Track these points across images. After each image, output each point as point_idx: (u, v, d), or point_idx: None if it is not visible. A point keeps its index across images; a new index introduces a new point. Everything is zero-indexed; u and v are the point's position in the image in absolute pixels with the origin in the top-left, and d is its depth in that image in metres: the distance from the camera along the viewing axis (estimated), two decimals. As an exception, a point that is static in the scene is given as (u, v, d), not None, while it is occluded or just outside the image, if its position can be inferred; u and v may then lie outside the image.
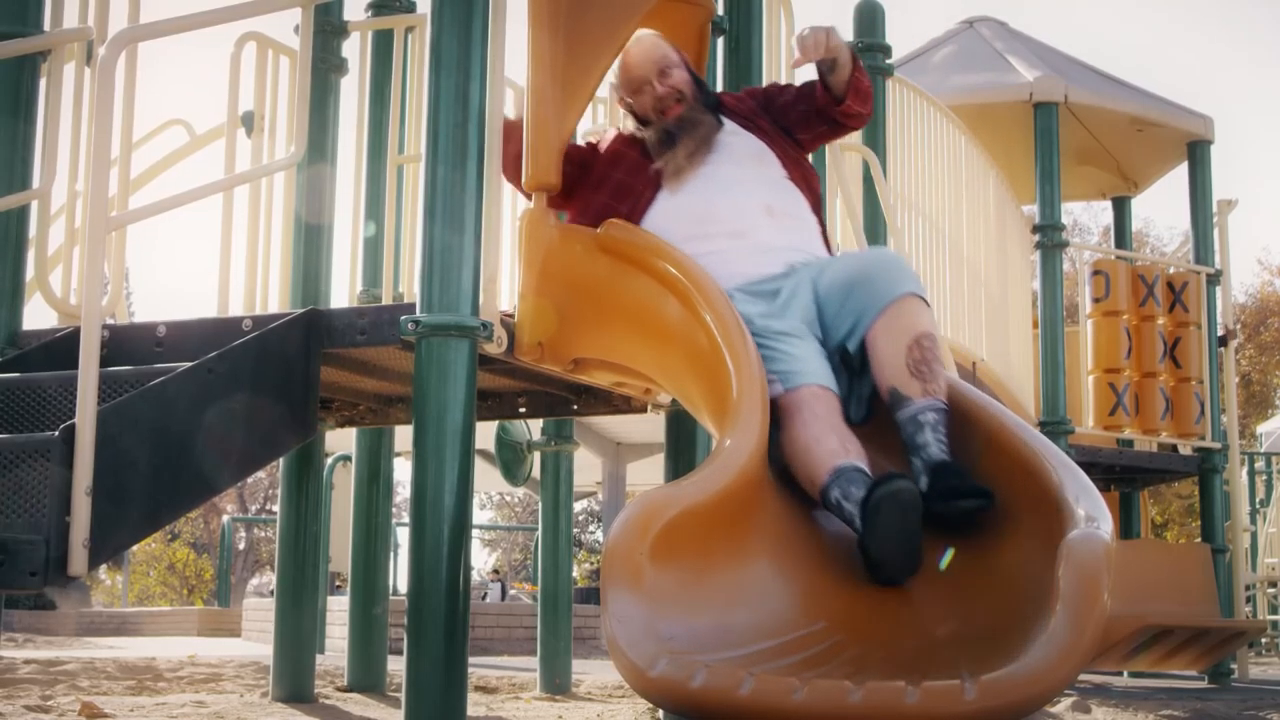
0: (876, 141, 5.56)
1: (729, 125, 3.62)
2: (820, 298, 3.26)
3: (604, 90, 4.31)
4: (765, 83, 4.46)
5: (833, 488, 2.94)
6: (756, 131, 3.63)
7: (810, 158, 3.78)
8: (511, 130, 3.50)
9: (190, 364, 3.13)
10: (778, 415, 3.10)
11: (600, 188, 3.58)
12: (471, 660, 3.79)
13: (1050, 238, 7.30)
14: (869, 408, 3.23)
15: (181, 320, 3.66)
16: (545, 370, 3.64)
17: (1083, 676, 6.89)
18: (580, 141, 4.92)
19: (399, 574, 11.39)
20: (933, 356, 3.09)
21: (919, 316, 3.14)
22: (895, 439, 3.11)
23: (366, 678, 5.00)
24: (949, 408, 3.06)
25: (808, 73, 3.70)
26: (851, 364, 3.21)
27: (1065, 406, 7.14)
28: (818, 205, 3.61)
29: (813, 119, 3.65)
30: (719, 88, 4.34)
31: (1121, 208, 9.41)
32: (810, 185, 3.62)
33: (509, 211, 4.11)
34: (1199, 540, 8.07)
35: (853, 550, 2.94)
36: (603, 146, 3.71)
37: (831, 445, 3.00)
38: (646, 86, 3.60)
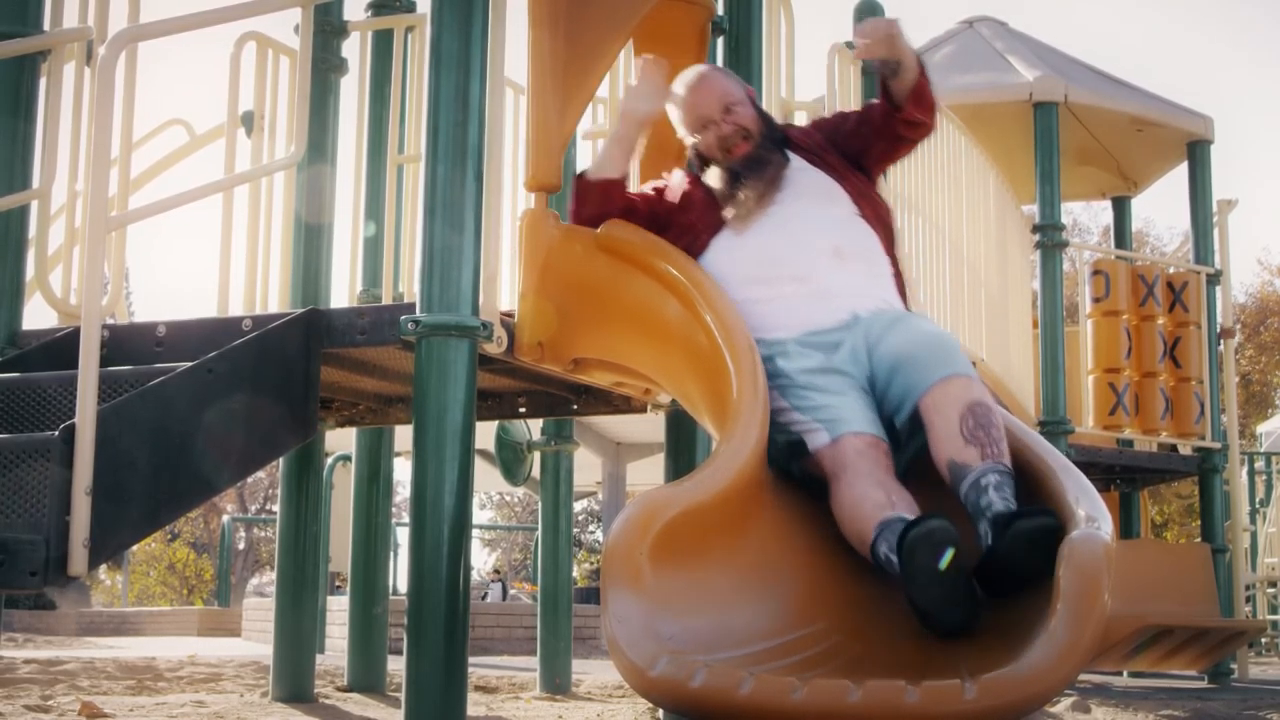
0: (876, 141, 5.55)
1: (796, 161, 3.47)
2: (872, 366, 3.14)
3: (604, 90, 4.32)
4: (765, 82, 4.45)
5: (880, 542, 2.80)
6: (824, 167, 3.47)
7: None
8: (603, 190, 3.46)
9: (190, 364, 3.13)
10: (824, 467, 3.02)
11: (666, 231, 3.46)
12: (471, 660, 3.79)
13: (1050, 237, 7.29)
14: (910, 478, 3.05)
15: (181, 320, 3.66)
16: (545, 370, 3.64)
17: (1083, 676, 6.89)
18: (581, 139, 4.96)
19: (399, 574, 11.39)
20: (988, 421, 2.91)
21: (969, 389, 2.98)
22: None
23: (366, 678, 5.00)
24: (1013, 472, 2.85)
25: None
26: (899, 439, 3.08)
27: (1065, 406, 7.13)
28: (891, 242, 3.45)
29: (873, 139, 3.49)
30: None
31: (1121, 208, 9.40)
32: (883, 222, 3.46)
33: (509, 211, 4.11)
34: (1199, 540, 8.07)
35: (852, 551, 2.94)
36: (670, 192, 3.57)
37: (878, 499, 2.86)
38: (710, 125, 3.45)
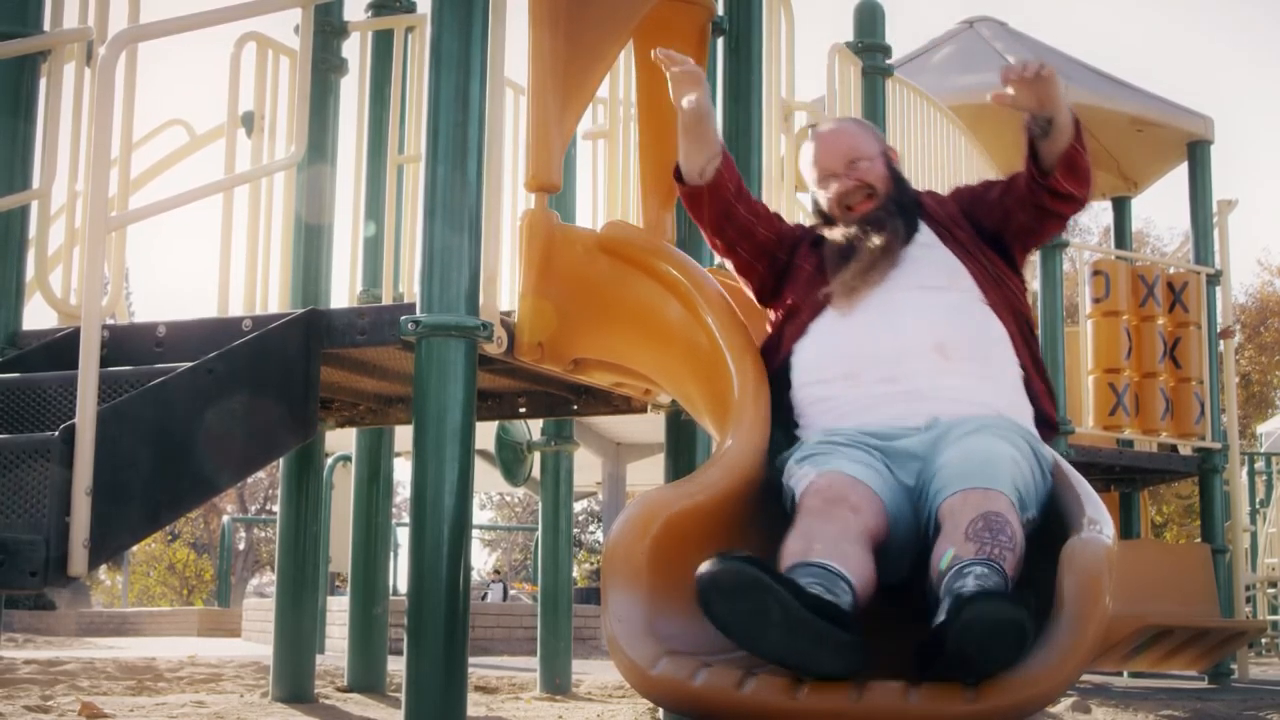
0: (876, 141, 5.55)
1: (923, 235, 3.10)
2: (921, 474, 2.76)
3: (604, 90, 4.31)
4: (765, 82, 4.45)
5: None
6: (952, 244, 3.08)
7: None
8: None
9: (190, 364, 3.13)
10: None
11: (778, 301, 3.19)
12: (471, 660, 3.79)
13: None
14: None
15: (181, 320, 3.66)
16: (545, 370, 3.64)
17: (1083, 676, 6.89)
18: (581, 139, 4.95)
19: (399, 574, 11.39)
20: (998, 527, 2.47)
21: (990, 500, 2.54)
22: None
23: (366, 678, 5.00)
24: (1009, 576, 2.40)
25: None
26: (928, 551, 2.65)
27: (1065, 407, 7.13)
28: (1024, 332, 3.04)
29: (1014, 210, 3.05)
30: (719, 88, 4.33)
31: (1121, 208, 9.41)
32: (1013, 309, 3.04)
33: (509, 211, 4.11)
34: (1198, 540, 8.07)
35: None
36: (785, 251, 3.26)
37: (793, 549, 2.53)
38: (833, 178, 3.13)
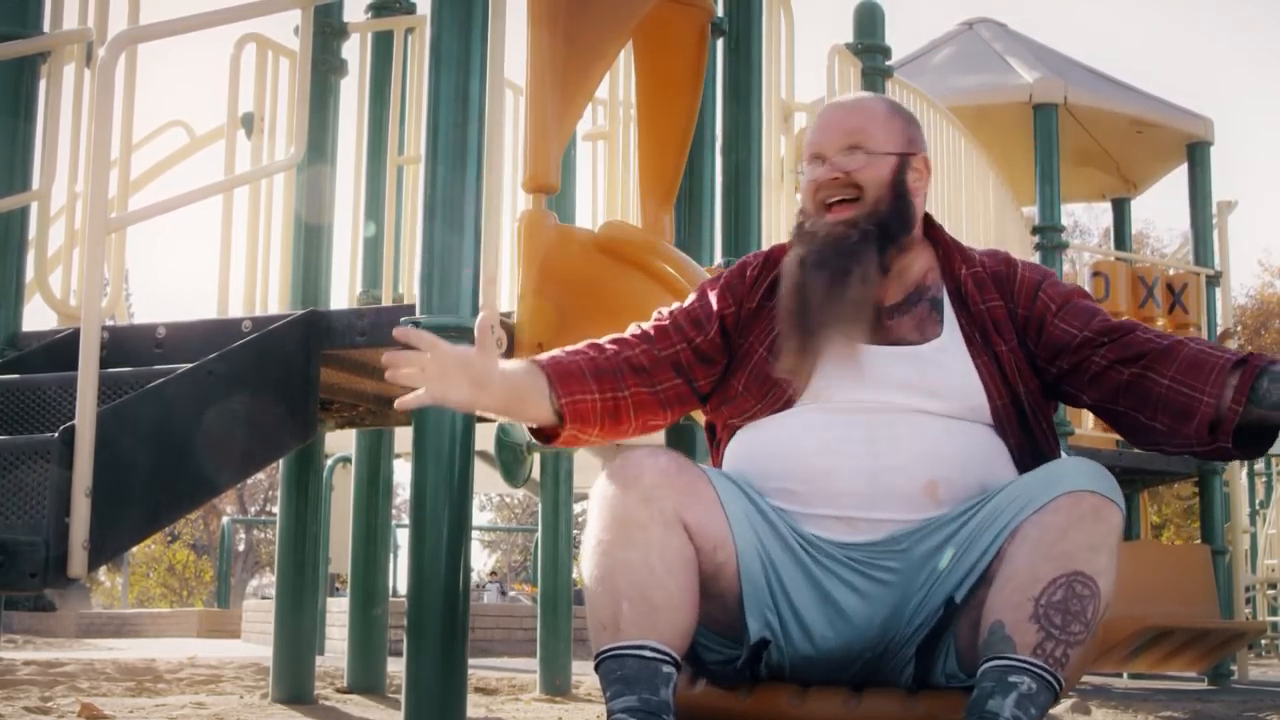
0: (876, 142, 5.55)
1: (946, 336, 2.17)
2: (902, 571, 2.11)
3: (604, 90, 4.32)
4: (765, 85, 4.44)
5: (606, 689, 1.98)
6: (983, 354, 2.17)
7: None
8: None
9: (190, 365, 3.13)
10: None
11: (735, 375, 2.29)
12: (471, 661, 3.78)
13: (1050, 239, 7.30)
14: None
15: (181, 321, 3.67)
16: (545, 371, 3.64)
17: (1083, 678, 6.89)
18: (581, 140, 4.94)
19: (399, 575, 11.39)
20: (1080, 609, 1.93)
21: (1093, 544, 2.00)
22: None
23: (366, 679, 5.00)
24: (1059, 688, 1.93)
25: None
26: (950, 616, 2.08)
27: (1064, 408, 7.12)
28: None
29: (1107, 387, 2.16)
30: (718, 88, 4.31)
31: (1121, 209, 9.42)
32: (1041, 456, 2.20)
33: (509, 212, 4.11)
34: (1198, 541, 8.07)
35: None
36: (748, 297, 2.29)
37: (599, 614, 2.00)
38: (816, 161, 2.20)
